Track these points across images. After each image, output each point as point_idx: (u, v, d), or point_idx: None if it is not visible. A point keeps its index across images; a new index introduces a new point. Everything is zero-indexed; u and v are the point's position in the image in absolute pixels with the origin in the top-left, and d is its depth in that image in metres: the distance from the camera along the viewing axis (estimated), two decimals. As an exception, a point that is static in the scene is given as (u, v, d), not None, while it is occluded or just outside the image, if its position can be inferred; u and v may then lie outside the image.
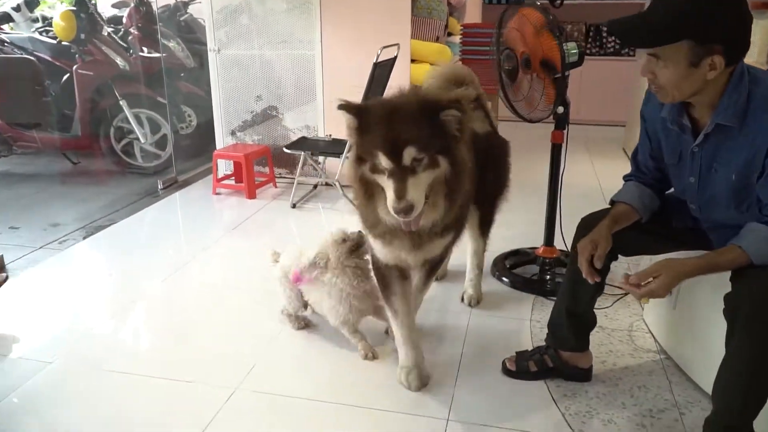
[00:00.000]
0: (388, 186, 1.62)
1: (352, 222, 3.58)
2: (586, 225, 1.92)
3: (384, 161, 1.61)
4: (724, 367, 1.56)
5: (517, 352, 2.17)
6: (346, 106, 1.70)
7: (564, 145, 2.75)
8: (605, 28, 6.55)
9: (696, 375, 2.08)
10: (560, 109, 2.62)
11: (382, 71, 3.61)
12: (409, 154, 1.59)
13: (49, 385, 2.09)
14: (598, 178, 4.59)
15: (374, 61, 3.44)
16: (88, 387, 2.08)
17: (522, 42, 2.55)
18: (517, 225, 3.41)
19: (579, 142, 5.75)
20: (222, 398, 2.00)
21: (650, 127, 1.85)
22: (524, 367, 2.11)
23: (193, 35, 5.49)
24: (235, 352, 2.28)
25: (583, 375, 2.09)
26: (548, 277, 2.85)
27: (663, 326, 2.33)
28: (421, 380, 2.05)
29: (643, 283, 1.59)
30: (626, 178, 1.99)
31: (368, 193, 1.76)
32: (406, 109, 1.66)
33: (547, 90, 2.53)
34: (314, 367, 2.20)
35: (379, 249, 1.97)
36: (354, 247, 2.22)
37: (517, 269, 2.94)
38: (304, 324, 2.45)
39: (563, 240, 2.91)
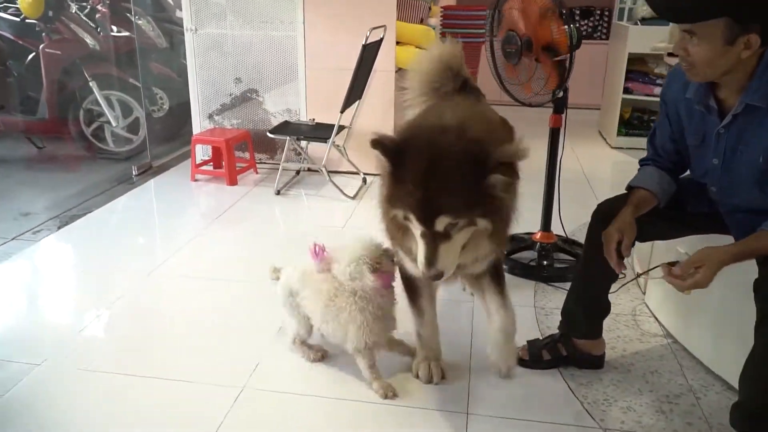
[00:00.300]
0: (419, 245, 1.50)
1: (338, 208, 3.49)
2: (604, 213, 1.88)
3: (414, 225, 1.49)
4: (754, 355, 1.55)
5: (528, 341, 2.14)
6: (381, 146, 1.50)
7: (563, 130, 2.72)
8: (578, 12, 6.56)
9: (706, 359, 2.09)
10: (560, 93, 2.59)
11: (369, 54, 3.51)
12: (442, 222, 1.46)
13: (40, 388, 1.95)
14: (579, 161, 4.61)
15: (363, 42, 3.33)
16: (84, 390, 1.96)
17: (524, 23, 2.49)
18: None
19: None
20: (230, 398, 1.91)
21: (671, 109, 1.82)
22: (537, 355, 2.08)
23: (163, 14, 5.25)
24: (236, 350, 2.18)
25: (597, 362, 2.08)
26: (546, 262, 2.84)
27: (667, 310, 2.34)
28: (440, 373, 2.00)
29: (686, 275, 1.55)
30: (643, 162, 1.95)
31: (401, 230, 1.62)
32: (447, 163, 1.45)
33: (548, 73, 2.48)
34: (322, 364, 2.12)
35: (411, 268, 1.82)
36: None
37: (515, 255, 2.91)
38: (321, 356, 2.11)
39: (561, 225, 2.91)
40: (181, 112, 5.03)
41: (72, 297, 2.61)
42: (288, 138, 3.76)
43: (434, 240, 1.47)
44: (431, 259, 1.48)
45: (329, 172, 3.86)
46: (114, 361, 2.10)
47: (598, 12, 6.57)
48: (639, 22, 4.73)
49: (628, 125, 4.89)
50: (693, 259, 1.54)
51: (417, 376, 2.01)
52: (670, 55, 3.27)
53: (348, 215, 3.49)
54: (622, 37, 4.77)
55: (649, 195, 1.85)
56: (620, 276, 1.84)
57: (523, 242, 2.98)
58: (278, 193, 3.81)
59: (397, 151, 1.50)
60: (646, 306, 2.50)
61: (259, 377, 2.02)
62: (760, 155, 1.58)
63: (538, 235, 2.90)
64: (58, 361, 2.09)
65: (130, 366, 2.07)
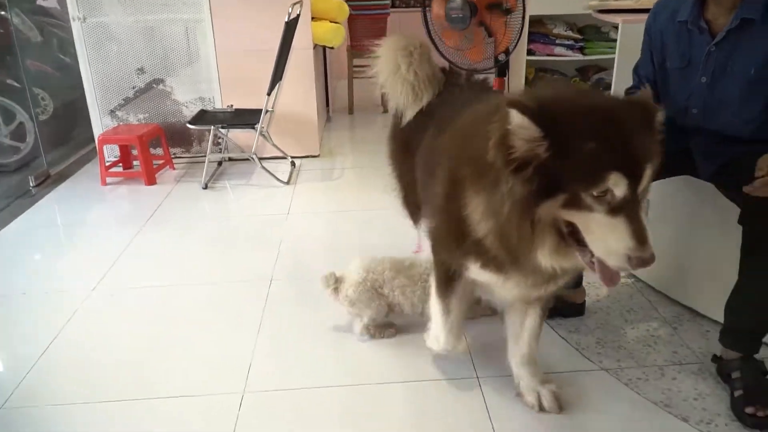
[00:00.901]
0: (615, 226, 1.16)
1: (275, 195, 3.36)
2: None
3: (620, 188, 1.15)
4: (741, 284, 1.69)
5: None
6: (527, 108, 1.13)
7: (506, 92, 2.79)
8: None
9: (673, 292, 2.26)
10: (502, 57, 2.64)
11: (289, 31, 3.37)
12: (648, 175, 1.20)
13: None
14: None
15: (285, 20, 3.19)
16: (68, 428, 1.75)
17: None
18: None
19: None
20: (233, 406, 1.80)
21: (656, 39, 1.92)
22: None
23: (31, 4, 4.70)
24: (222, 355, 2.05)
25: (579, 309, 2.19)
26: None
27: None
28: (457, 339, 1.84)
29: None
30: (629, 89, 2.03)
31: (531, 234, 1.24)
32: (630, 113, 1.22)
33: (501, 32, 2.49)
34: (315, 354, 2.05)
35: (487, 278, 1.54)
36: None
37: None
38: (395, 330, 2.13)
39: None
40: (68, 112, 4.57)
41: (14, 326, 2.30)
42: (212, 128, 3.54)
43: (638, 207, 1.19)
44: (644, 233, 1.17)
45: (260, 159, 3.69)
46: (89, 390, 1.89)
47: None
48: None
49: (533, 85, 5.10)
50: (761, 163, 1.58)
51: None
52: (600, 12, 3.44)
53: (288, 201, 3.37)
54: None
55: None
56: None
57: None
58: (206, 187, 3.59)
59: (559, 116, 1.15)
60: (601, 251, 2.65)
61: (257, 379, 1.92)
62: (751, 67, 1.69)
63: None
64: (27, 400, 1.85)
65: (111, 392, 1.87)
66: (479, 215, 1.32)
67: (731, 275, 1.73)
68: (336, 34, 4.13)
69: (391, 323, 2.14)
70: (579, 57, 5.00)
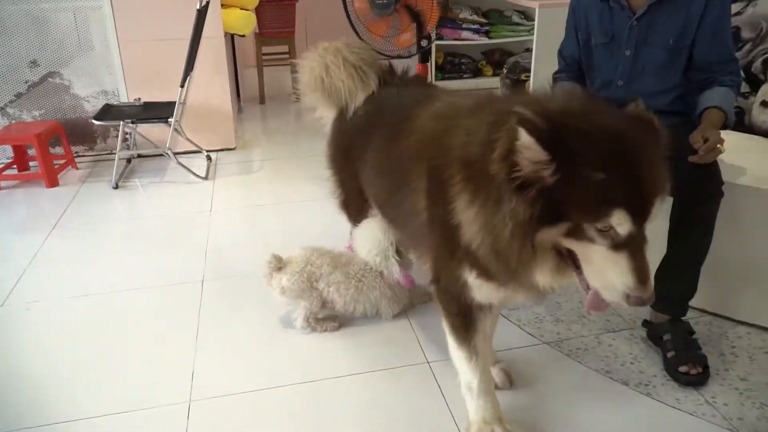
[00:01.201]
0: (617, 261, 1.11)
1: (193, 191, 3.23)
2: None
3: (624, 226, 1.08)
4: (669, 258, 1.83)
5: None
6: (538, 130, 1.05)
7: (430, 78, 2.82)
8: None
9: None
10: (424, 42, 2.66)
11: (200, 19, 3.21)
12: (657, 209, 1.13)
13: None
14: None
15: (197, 7, 3.03)
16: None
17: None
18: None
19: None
20: (182, 416, 1.71)
21: (580, 18, 2.03)
22: None
23: None
24: (162, 364, 1.94)
25: None
26: None
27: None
28: None
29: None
30: (556, 74, 2.15)
31: (532, 256, 1.17)
32: (640, 137, 1.14)
33: (429, 11, 2.50)
34: (260, 354, 1.98)
35: (486, 291, 1.44)
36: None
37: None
38: (339, 325, 2.09)
39: None
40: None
41: None
42: (121, 123, 3.31)
43: (643, 244, 1.13)
44: (645, 273, 1.12)
45: (176, 154, 3.51)
46: (13, 417, 1.73)
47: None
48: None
49: (443, 70, 5.21)
50: (694, 137, 1.70)
51: None
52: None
53: (208, 197, 3.24)
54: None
55: None
56: None
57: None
58: (116, 186, 3.37)
59: (569, 139, 1.07)
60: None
61: (202, 386, 1.84)
62: (670, 38, 1.85)
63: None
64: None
65: (39, 417, 1.72)
66: (474, 229, 1.22)
67: (657, 247, 1.85)
68: (247, 22, 3.99)
69: (334, 316, 2.12)
70: (485, 41, 5.16)
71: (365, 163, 1.90)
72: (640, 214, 1.09)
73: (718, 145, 1.66)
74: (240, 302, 2.25)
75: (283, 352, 1.99)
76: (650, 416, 1.68)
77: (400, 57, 2.66)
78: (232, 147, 3.97)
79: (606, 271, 1.13)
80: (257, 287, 2.18)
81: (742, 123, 2.43)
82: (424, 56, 2.73)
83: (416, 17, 2.46)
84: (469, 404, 1.60)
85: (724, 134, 1.74)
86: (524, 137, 1.05)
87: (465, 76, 5.23)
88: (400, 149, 1.61)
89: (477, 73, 5.30)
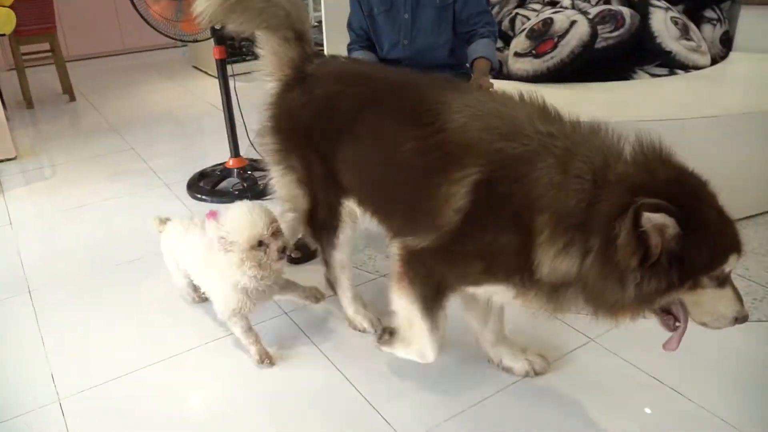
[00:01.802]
0: (724, 295, 1.22)
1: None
2: None
3: (733, 264, 1.20)
4: None
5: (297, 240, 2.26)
6: (666, 208, 1.10)
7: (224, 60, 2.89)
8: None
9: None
10: (218, 25, 2.73)
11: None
12: None
13: None
14: (202, 96, 4.80)
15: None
16: None
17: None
18: (180, 152, 3.44)
19: (148, 69, 5.78)
20: (56, 415, 1.67)
21: None
22: (306, 249, 2.32)
23: None
24: (16, 373, 1.84)
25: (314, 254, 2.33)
26: (252, 182, 3.02)
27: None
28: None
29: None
30: (350, 47, 2.45)
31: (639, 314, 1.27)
32: (712, 191, 1.22)
33: None
34: (114, 341, 1.98)
35: (500, 297, 1.47)
36: (281, 249, 1.71)
37: (219, 186, 3.04)
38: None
39: (254, 148, 3.06)
40: None
41: None
42: None
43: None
44: (739, 292, 1.25)
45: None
46: None
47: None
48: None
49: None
50: (471, 86, 2.08)
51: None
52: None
53: (2, 210, 2.96)
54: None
55: None
56: None
57: (220, 173, 3.11)
58: None
59: (693, 208, 1.15)
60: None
61: (65, 383, 1.79)
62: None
63: (231, 162, 3.08)
64: None
65: None
66: (561, 275, 1.26)
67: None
68: (7, 20, 3.60)
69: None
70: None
71: (350, 144, 1.66)
72: (741, 249, 1.20)
73: (490, 89, 2.10)
74: (76, 300, 2.21)
75: (136, 333, 2.02)
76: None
77: (194, 41, 2.70)
78: (13, 156, 3.62)
79: (716, 307, 1.22)
80: (90, 284, 2.19)
81: (501, 72, 2.98)
82: (221, 39, 2.81)
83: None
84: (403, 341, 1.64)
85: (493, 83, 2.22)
86: (657, 218, 1.10)
87: (248, 58, 5.30)
88: (434, 140, 1.42)
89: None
